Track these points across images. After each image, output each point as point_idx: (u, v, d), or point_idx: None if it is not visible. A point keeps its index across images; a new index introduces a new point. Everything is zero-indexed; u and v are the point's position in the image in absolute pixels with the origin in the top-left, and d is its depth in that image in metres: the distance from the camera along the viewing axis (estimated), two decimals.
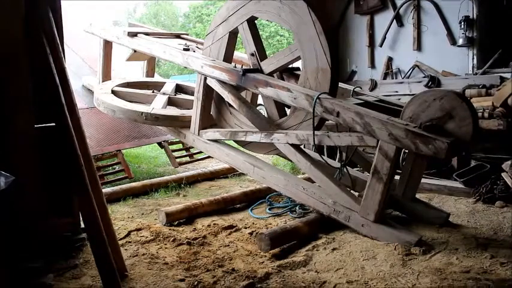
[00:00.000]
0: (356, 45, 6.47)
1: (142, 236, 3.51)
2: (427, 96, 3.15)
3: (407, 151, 3.61)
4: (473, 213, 3.83)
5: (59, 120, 2.69)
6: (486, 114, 4.48)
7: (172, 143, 6.08)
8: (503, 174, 4.06)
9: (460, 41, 5.43)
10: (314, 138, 3.42)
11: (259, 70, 3.85)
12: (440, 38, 5.61)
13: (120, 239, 3.39)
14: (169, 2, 33.03)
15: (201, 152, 5.51)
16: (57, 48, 2.82)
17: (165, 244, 3.35)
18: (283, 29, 23.85)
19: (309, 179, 3.81)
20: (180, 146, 6.24)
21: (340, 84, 4.04)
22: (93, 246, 2.58)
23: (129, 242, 3.41)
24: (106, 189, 4.59)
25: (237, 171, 5.08)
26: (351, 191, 3.70)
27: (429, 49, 5.77)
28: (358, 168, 4.57)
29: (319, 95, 3.32)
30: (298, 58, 3.63)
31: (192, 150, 6.11)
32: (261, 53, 3.91)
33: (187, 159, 6.17)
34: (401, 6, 5.89)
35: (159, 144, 5.90)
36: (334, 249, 3.11)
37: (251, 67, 3.90)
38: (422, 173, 3.68)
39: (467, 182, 4.39)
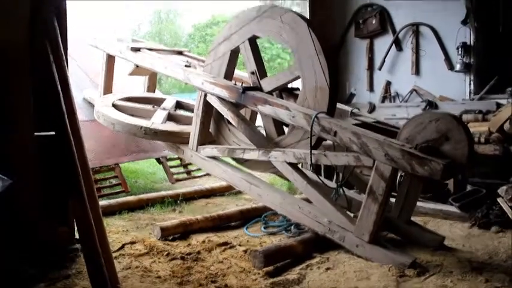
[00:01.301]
0: (355, 69, 6.55)
1: (136, 249, 3.50)
2: (424, 118, 3.19)
3: (403, 174, 3.63)
4: (469, 238, 3.83)
5: (59, 129, 2.71)
6: (482, 140, 4.52)
7: (170, 159, 6.08)
8: (499, 200, 4.07)
9: (458, 67, 5.51)
10: (311, 156, 3.44)
11: (259, 88, 3.90)
12: (438, 63, 5.70)
13: (114, 252, 3.37)
14: (173, 18, 33.37)
15: (198, 169, 5.51)
16: (61, 57, 2.85)
17: (159, 258, 3.34)
18: (285, 52, 24.05)
19: (306, 199, 3.81)
20: (178, 162, 6.25)
21: (338, 105, 4.08)
22: (86, 257, 2.57)
23: (123, 254, 3.40)
24: (102, 202, 4.55)
25: (234, 189, 5.08)
26: (347, 211, 3.71)
27: (427, 74, 5.85)
28: (355, 190, 4.57)
29: (317, 114, 3.35)
30: (297, 77, 3.67)
31: (190, 167, 6.11)
32: (261, 71, 3.96)
33: (185, 175, 6.16)
34: (401, 30, 5.99)
35: (158, 160, 5.90)
36: (328, 268, 3.10)
37: (251, 85, 3.95)
38: (418, 195, 3.69)
39: (463, 206, 4.39)
